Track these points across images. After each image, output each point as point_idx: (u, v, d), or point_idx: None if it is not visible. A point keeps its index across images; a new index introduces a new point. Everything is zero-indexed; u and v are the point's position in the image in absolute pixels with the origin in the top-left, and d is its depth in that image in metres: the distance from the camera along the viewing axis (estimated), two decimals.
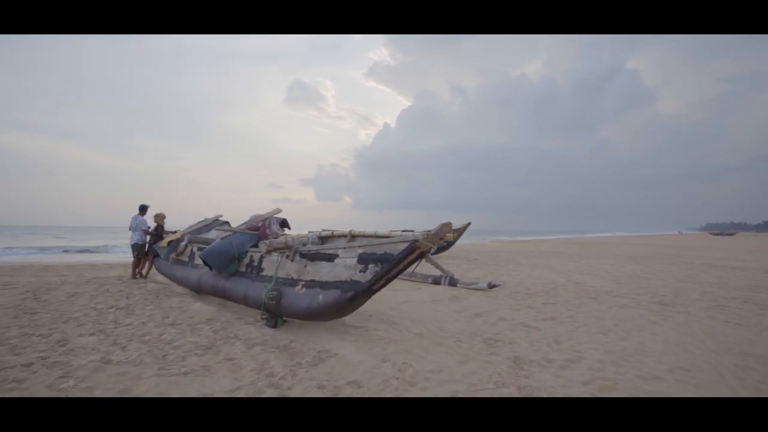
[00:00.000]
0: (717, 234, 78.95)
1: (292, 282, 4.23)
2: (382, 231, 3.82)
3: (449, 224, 3.23)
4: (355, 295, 3.54)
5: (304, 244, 4.46)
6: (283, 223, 5.91)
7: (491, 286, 6.69)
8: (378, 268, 3.45)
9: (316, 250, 4.15)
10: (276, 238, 5.38)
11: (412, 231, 3.78)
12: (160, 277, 7.83)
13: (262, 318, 4.44)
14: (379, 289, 3.61)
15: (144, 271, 8.38)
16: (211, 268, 5.30)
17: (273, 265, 4.57)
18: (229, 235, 5.41)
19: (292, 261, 4.38)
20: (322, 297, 3.77)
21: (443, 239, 3.29)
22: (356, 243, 3.75)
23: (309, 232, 4.98)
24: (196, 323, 4.39)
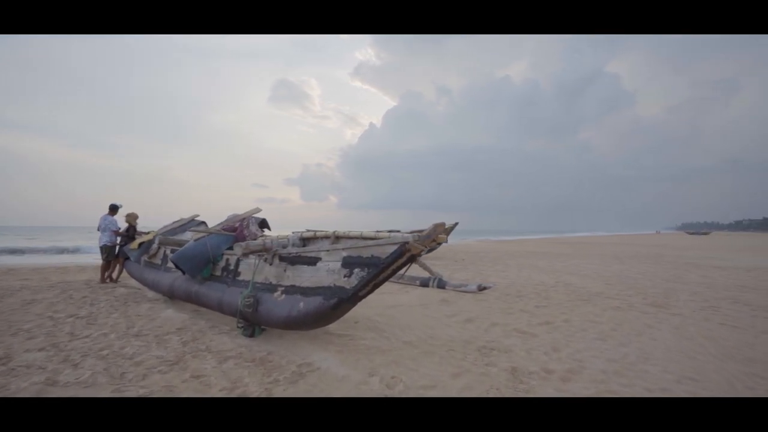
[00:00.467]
0: (692, 233, 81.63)
1: (271, 287, 3.88)
2: (368, 232, 3.52)
3: (442, 224, 2.95)
4: (339, 303, 3.23)
5: (285, 246, 4.11)
6: (263, 224, 5.54)
7: (481, 289, 6.46)
8: (364, 273, 3.14)
9: (297, 252, 3.81)
10: (254, 239, 5.02)
11: (398, 231, 3.51)
12: (133, 281, 7.33)
13: (238, 326, 4.08)
14: (366, 295, 3.30)
15: (114, 275, 7.85)
16: (184, 273, 4.90)
17: (250, 269, 4.21)
18: (204, 237, 5.01)
19: (270, 264, 4.03)
20: (303, 304, 3.44)
21: (436, 241, 3.01)
22: (340, 245, 3.44)
23: (292, 233, 4.63)
24: (165, 333, 3.99)
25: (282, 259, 3.94)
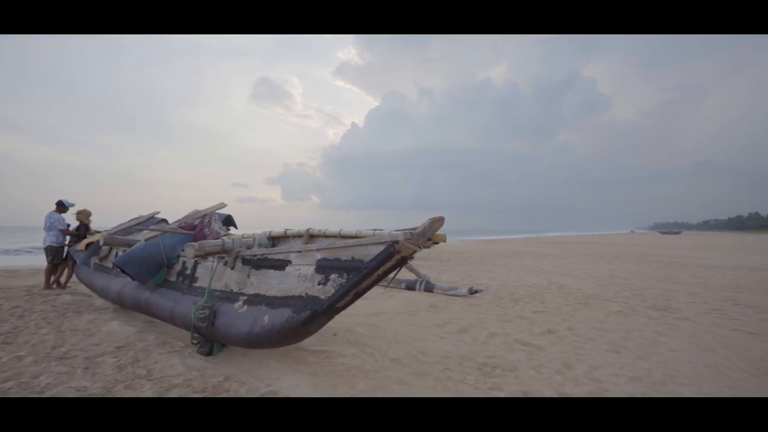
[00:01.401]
0: (665, 233, 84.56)
1: (231, 296, 3.23)
2: (348, 230, 2.92)
3: (440, 219, 2.38)
4: (312, 316, 2.61)
5: (249, 247, 3.46)
6: (228, 221, 4.85)
7: (473, 292, 5.94)
8: (343, 280, 2.54)
9: (263, 254, 3.17)
10: (217, 238, 4.33)
11: (382, 230, 2.93)
12: (84, 287, 6.47)
13: (192, 343, 3.41)
14: (345, 307, 2.69)
15: (63, 280, 6.96)
16: (133, 278, 4.16)
17: (208, 274, 3.53)
18: (157, 236, 4.29)
19: (232, 268, 3.37)
20: (268, 318, 2.80)
21: (432, 240, 2.44)
22: (314, 245, 2.82)
23: (261, 232, 3.96)
24: (99, 354, 3.27)
25: (245, 262, 3.29)
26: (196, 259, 3.72)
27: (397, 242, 2.34)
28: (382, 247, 2.41)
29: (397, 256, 2.42)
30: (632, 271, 9.92)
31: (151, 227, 5.20)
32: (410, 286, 6.47)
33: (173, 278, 4.07)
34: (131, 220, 6.63)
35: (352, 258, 2.54)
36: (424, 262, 11.48)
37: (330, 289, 2.58)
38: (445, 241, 2.59)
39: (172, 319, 3.70)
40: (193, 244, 3.16)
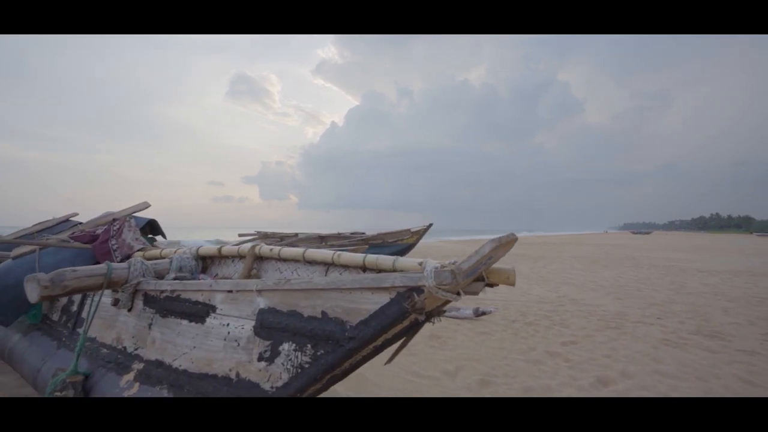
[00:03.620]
0: (636, 233, 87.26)
1: (122, 360, 1.92)
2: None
3: (510, 242, 1.17)
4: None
5: (160, 275, 2.17)
6: (152, 228, 3.49)
7: (479, 314, 4.80)
8: (305, 357, 1.29)
9: (174, 291, 1.86)
10: (129, 253, 2.97)
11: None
12: None
13: None
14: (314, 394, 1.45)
15: None
16: None
17: (98, 316, 2.20)
18: (34, 252, 2.89)
19: (129, 310, 2.04)
20: None
21: (486, 279, 1.23)
22: (254, 283, 1.53)
23: (189, 249, 2.63)
24: None
25: (149, 300, 1.97)
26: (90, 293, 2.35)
27: (420, 290, 1.11)
28: (386, 299, 1.18)
29: (414, 317, 1.19)
30: (636, 279, 9.09)
31: (20, 239, 3.72)
32: None
33: (55, 316, 2.69)
34: (39, 223, 5.07)
35: (324, 315, 1.29)
36: None
37: (279, 373, 1.33)
38: (513, 284, 1.35)
39: (34, 383, 2.35)
40: (39, 276, 1.78)
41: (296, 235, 11.34)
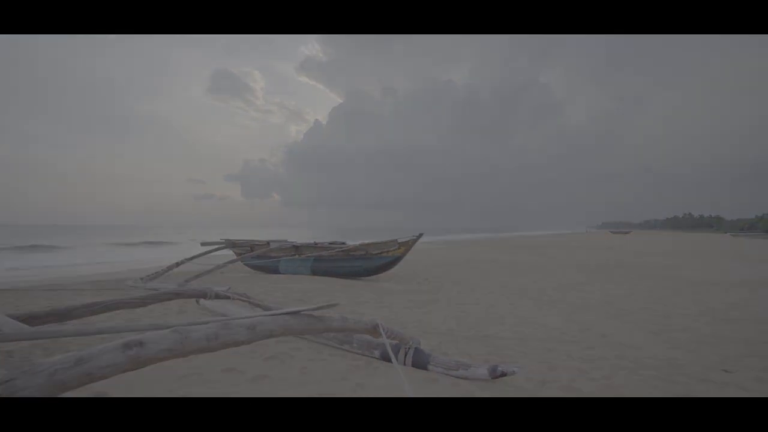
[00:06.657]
0: (616, 232, 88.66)
1: None
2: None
3: None
4: None
5: None
6: None
7: (496, 376, 3.49)
8: None
9: None
10: None
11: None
12: None
13: None
14: None
15: None
16: None
17: None
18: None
19: None
20: None
21: None
22: None
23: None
24: None
25: None
26: None
27: None
28: None
29: None
30: (652, 296, 8.04)
31: None
32: (385, 357, 3.92)
33: None
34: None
35: None
36: (397, 284, 8.83)
37: None
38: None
39: None
40: None
41: (268, 243, 9.84)
